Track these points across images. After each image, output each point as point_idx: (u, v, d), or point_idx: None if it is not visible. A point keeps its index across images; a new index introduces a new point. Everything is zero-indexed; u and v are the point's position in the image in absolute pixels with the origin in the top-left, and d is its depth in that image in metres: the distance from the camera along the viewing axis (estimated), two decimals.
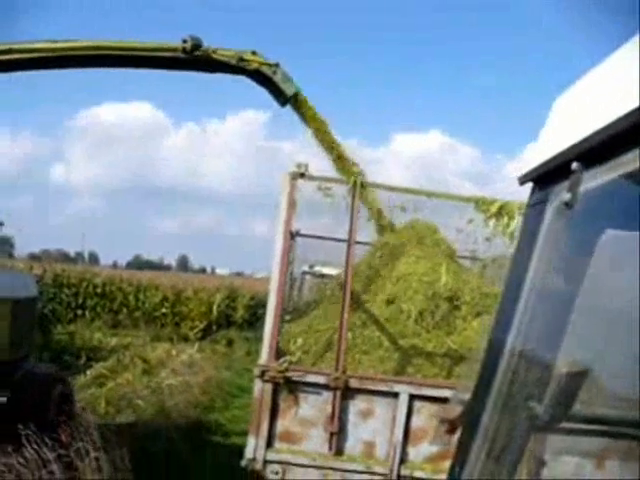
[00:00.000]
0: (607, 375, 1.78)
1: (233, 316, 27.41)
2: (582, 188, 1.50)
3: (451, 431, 2.04)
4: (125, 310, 25.72)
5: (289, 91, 6.36)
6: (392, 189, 6.64)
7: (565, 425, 1.90)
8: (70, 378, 11.64)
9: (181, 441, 9.13)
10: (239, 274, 64.32)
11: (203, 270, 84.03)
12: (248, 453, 5.82)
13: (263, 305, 6.52)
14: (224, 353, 19.08)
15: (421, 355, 6.58)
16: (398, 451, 5.81)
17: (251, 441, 5.82)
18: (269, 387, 5.79)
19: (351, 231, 6.13)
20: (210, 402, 12.38)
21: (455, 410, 2.15)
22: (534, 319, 1.72)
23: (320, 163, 6.53)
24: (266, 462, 5.80)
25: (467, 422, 1.82)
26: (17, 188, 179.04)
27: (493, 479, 1.73)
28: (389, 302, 6.85)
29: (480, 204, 6.40)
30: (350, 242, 6.15)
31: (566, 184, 1.52)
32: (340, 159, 6.59)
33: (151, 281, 27.83)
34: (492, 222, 6.37)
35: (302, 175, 6.04)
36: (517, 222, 6.18)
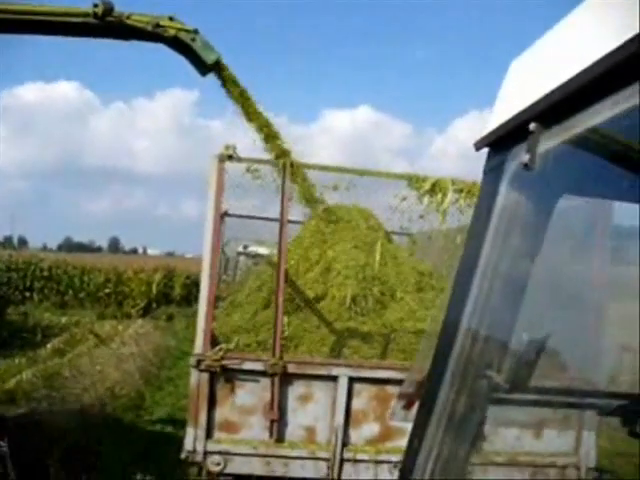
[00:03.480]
0: (557, 346, 1.76)
1: (171, 294, 29.46)
2: (541, 149, 1.44)
3: (409, 406, 1.99)
4: (71, 291, 27.83)
5: (209, 59, 6.03)
6: (323, 168, 6.53)
7: (513, 397, 1.87)
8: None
9: (144, 389, 11.69)
10: (170, 254, 64.41)
11: (134, 251, 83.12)
12: (187, 445, 5.65)
13: (197, 284, 6.42)
14: (166, 327, 20.67)
15: (357, 337, 6.55)
16: (340, 435, 5.77)
17: (190, 432, 5.66)
18: (205, 376, 5.64)
19: (282, 212, 5.99)
20: (160, 363, 14.58)
21: (411, 387, 2.10)
22: (491, 291, 1.67)
23: (250, 141, 6.34)
24: (207, 453, 5.66)
25: (424, 397, 1.77)
26: None
27: (451, 452, 1.68)
28: (321, 287, 6.78)
29: (413, 181, 6.34)
30: (282, 223, 6.01)
31: (524, 146, 1.46)
32: (268, 134, 6.34)
33: (88, 264, 29.92)
34: (426, 199, 6.33)
35: (230, 157, 5.89)
36: (450, 199, 6.19)
